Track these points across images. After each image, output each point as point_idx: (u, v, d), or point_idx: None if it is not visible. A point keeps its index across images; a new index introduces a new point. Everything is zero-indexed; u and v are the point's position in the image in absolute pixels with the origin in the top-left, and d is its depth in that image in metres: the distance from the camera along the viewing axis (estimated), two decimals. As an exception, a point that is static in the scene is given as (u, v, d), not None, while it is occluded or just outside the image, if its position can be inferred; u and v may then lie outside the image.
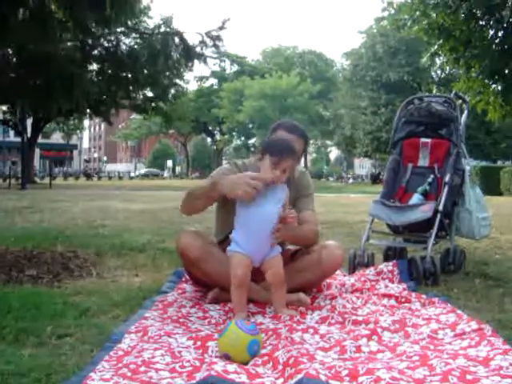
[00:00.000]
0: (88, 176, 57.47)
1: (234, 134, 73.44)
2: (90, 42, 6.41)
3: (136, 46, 6.94)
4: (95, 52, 6.56)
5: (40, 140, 43.44)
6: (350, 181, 64.29)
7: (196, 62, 6.01)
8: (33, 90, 5.42)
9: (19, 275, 4.43)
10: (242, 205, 3.19)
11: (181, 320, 3.15)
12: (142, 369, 2.35)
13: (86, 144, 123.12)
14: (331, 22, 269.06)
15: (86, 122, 71.66)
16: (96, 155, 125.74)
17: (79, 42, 6.14)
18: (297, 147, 3.44)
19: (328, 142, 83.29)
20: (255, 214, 3.15)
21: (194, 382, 2.21)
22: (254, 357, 2.54)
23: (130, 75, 6.99)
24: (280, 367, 2.40)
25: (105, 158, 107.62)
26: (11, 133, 50.87)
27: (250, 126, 65.66)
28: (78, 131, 72.38)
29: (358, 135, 52.71)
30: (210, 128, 79.71)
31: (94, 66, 6.88)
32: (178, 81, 27.10)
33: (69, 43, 6.15)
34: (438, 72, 47.60)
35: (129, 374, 2.29)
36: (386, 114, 47.16)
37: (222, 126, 71.42)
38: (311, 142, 76.39)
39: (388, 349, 2.65)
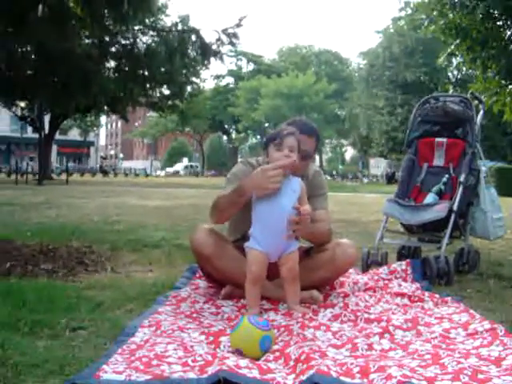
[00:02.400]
0: (104, 173, 57.71)
1: (249, 132, 73.62)
2: (107, 39, 6.44)
3: (153, 44, 6.97)
4: (112, 49, 6.60)
5: (57, 136, 43.71)
6: (365, 180, 64.07)
7: (212, 59, 6.03)
8: (50, 87, 5.46)
9: (34, 269, 4.47)
10: (257, 199, 3.20)
11: (194, 315, 3.17)
12: (155, 362, 2.36)
13: (102, 141, 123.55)
14: (347, 22, 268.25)
15: (103, 119, 71.96)
16: (112, 152, 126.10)
17: (97, 39, 6.17)
18: (300, 139, 3.47)
19: (343, 142, 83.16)
20: (271, 207, 3.16)
21: (206, 376, 2.23)
22: (266, 352, 2.55)
23: (146, 73, 7.01)
24: (291, 363, 2.41)
25: (121, 156, 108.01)
26: (29, 129, 51.21)
27: (266, 124, 65.70)
28: (95, 128, 72.72)
29: (374, 135, 52.59)
30: (226, 126, 79.86)
31: (111, 63, 6.91)
32: (194, 79, 27.23)
33: (86, 40, 6.19)
34: (455, 72, 47.46)
35: (141, 367, 2.31)
36: (402, 114, 47.03)
37: (237, 125, 71.53)
38: (327, 141, 76.35)
39: (400, 347, 2.65)
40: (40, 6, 4.87)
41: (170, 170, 76.47)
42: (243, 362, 2.36)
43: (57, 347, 2.60)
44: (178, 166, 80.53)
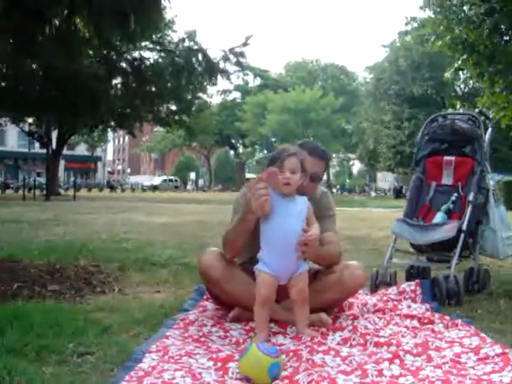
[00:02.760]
0: (112, 188, 57.87)
1: (256, 147, 73.68)
2: (114, 57, 6.47)
3: (160, 60, 6.99)
4: (119, 66, 6.62)
5: (65, 152, 43.89)
6: (373, 194, 64.02)
7: (219, 78, 6.04)
8: (58, 106, 5.47)
9: (42, 290, 4.45)
10: (264, 223, 3.17)
11: (201, 339, 3.15)
12: (163, 390, 2.34)
13: (110, 156, 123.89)
14: (354, 36, 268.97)
15: (110, 135, 72.09)
16: (120, 167, 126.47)
17: (104, 58, 6.19)
18: (310, 161, 3.47)
19: (351, 156, 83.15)
20: (278, 230, 3.14)
21: (215, 404, 2.20)
22: (275, 379, 2.53)
23: (153, 89, 7.03)
24: (301, 391, 2.38)
25: (128, 170, 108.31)
26: (36, 144, 51.40)
27: (273, 139, 65.80)
28: (103, 143, 72.95)
29: (381, 149, 52.59)
30: (233, 141, 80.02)
31: (118, 80, 6.93)
32: (201, 94, 27.29)
33: (93, 59, 6.21)
34: (462, 86, 47.42)
35: (149, 396, 2.29)
36: (409, 127, 47.04)
37: (244, 139, 71.69)
38: (334, 155, 76.36)
39: (410, 373, 2.61)
40: (47, 27, 4.89)
41: (147, 183, 72.67)
42: (252, 391, 2.34)
43: (64, 374, 2.58)
44: (157, 180, 77.26)
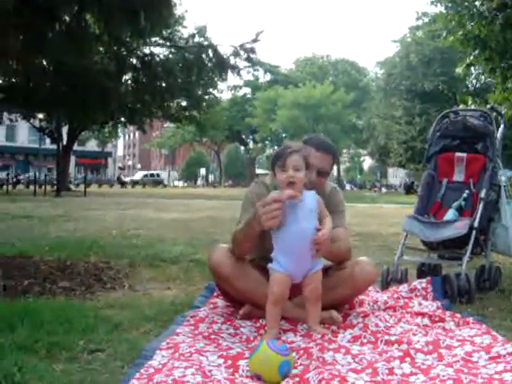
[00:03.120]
0: (122, 183, 58.01)
1: (267, 142, 73.64)
2: (124, 53, 6.46)
3: (170, 56, 6.99)
4: (129, 62, 6.62)
5: (75, 147, 44.03)
6: (383, 190, 63.87)
7: (230, 74, 6.03)
8: (69, 102, 5.49)
9: (52, 287, 4.46)
10: (276, 227, 3.12)
11: (212, 336, 3.14)
12: (173, 388, 2.34)
13: (120, 152, 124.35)
14: (364, 31, 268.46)
15: (121, 130, 72.31)
16: (130, 163, 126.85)
17: (114, 54, 6.19)
18: (317, 156, 3.50)
19: (361, 151, 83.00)
20: (291, 233, 3.08)
21: (225, 401, 2.20)
22: (285, 377, 2.52)
23: (163, 85, 7.02)
24: (311, 389, 2.37)
25: (139, 166, 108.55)
26: (47, 140, 51.62)
27: (284, 135, 65.75)
28: (113, 139, 73.08)
29: (392, 145, 52.42)
30: (244, 137, 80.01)
31: (128, 76, 6.93)
32: (211, 90, 27.28)
33: (103, 56, 6.21)
34: (474, 82, 47.19)
35: (159, 393, 2.29)
36: (420, 123, 46.86)
37: (255, 135, 71.69)
38: (344, 151, 76.20)
39: (421, 371, 2.60)
40: (57, 24, 4.90)
41: (127, 179, 69.85)
42: (262, 388, 2.33)
43: (74, 371, 2.59)
44: (138, 175, 75.39)
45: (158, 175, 75.38)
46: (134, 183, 64.86)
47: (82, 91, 5.13)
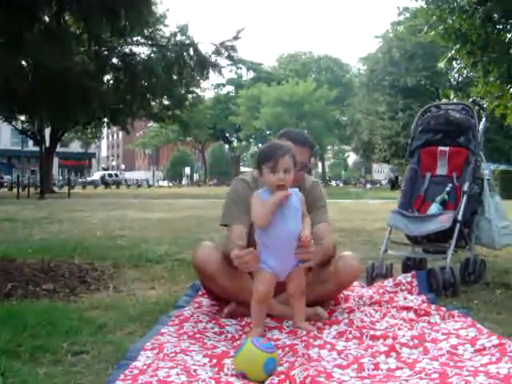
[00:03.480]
0: (106, 184, 57.71)
1: (251, 140, 73.64)
2: (105, 52, 6.42)
3: (152, 55, 6.95)
4: (110, 62, 6.58)
5: (59, 149, 43.78)
6: (368, 186, 64.08)
7: (211, 72, 6.00)
8: (49, 104, 5.44)
9: (36, 289, 4.42)
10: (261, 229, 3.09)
11: (197, 336, 3.12)
12: (158, 389, 2.32)
13: (104, 152, 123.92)
14: (347, 27, 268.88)
15: (104, 131, 71.86)
16: (114, 163, 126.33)
17: (94, 54, 6.14)
18: (292, 148, 3.46)
19: (345, 148, 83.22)
20: (279, 233, 3.04)
21: (210, 401, 2.18)
22: (271, 375, 2.51)
23: (145, 84, 6.98)
24: (297, 386, 2.36)
25: (123, 167, 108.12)
26: (30, 142, 51.25)
27: (268, 132, 65.75)
28: (96, 140, 72.75)
29: (376, 140, 52.61)
30: (228, 135, 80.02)
31: (110, 76, 6.88)
32: (194, 89, 27.23)
33: (84, 55, 6.17)
34: (456, 76, 47.44)
35: (144, 395, 2.27)
36: (403, 118, 47.05)
37: (239, 133, 71.68)
38: (329, 147, 76.32)
39: (407, 365, 2.59)
40: (37, 24, 4.85)
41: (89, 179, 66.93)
42: (247, 387, 2.32)
43: (58, 374, 2.56)
44: (96, 175, 71.43)
45: (116, 175, 71.96)
46: (92, 183, 61.13)
47: (63, 91, 5.09)
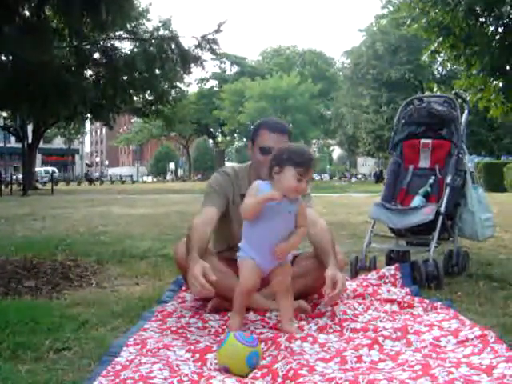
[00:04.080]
0: (90, 181, 57.38)
1: (235, 135, 73.53)
2: (86, 47, 6.37)
3: (135, 50, 6.90)
4: (91, 56, 6.52)
5: (41, 145, 43.47)
6: (353, 180, 64.26)
7: (193, 66, 5.97)
8: (28, 98, 5.39)
9: (18, 287, 4.38)
10: (250, 223, 3.04)
11: (180, 331, 3.11)
12: (140, 384, 2.30)
13: (87, 148, 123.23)
14: (330, 21, 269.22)
15: (87, 127, 71.37)
16: (98, 159, 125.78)
17: (75, 48, 6.09)
18: (274, 138, 3.50)
19: (330, 142, 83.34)
20: (261, 232, 3.01)
21: (193, 396, 2.17)
22: (254, 369, 2.50)
23: (126, 80, 6.93)
24: (279, 380, 2.35)
25: (107, 163, 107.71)
26: (12, 138, 50.90)
27: (252, 127, 65.64)
28: (79, 136, 72.33)
29: (361, 134, 52.74)
30: (212, 130, 79.78)
31: (90, 70, 6.83)
32: (178, 83, 27.12)
33: (64, 50, 6.11)
34: (439, 69, 47.63)
35: (126, 390, 2.25)
36: (388, 112, 47.17)
37: (223, 128, 71.49)
38: (314, 141, 76.37)
39: (390, 358, 2.60)
40: (16, 19, 4.80)
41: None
42: (230, 381, 2.32)
43: (40, 371, 2.54)
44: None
45: (53, 172, 65.57)
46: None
47: (43, 86, 5.04)
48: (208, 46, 5.77)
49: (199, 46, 5.77)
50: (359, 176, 75.53)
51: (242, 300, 3.10)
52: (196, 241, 3.26)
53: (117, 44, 6.64)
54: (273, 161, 3.00)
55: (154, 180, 77.70)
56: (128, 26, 9.26)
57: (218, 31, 5.79)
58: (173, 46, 5.65)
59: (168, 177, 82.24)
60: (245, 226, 3.09)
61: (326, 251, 3.37)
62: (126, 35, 7.49)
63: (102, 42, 6.48)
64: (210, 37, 5.77)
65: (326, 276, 3.14)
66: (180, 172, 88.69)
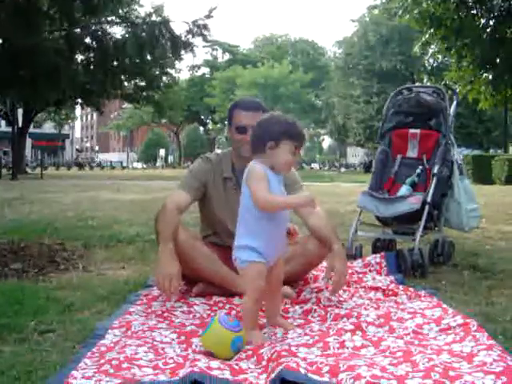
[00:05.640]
0: (80, 166, 57.18)
1: (226, 122, 73.30)
2: (77, 31, 6.33)
3: (126, 35, 6.86)
4: (82, 40, 6.48)
5: (32, 130, 43.21)
6: (343, 170, 64.30)
7: (183, 52, 5.96)
8: (18, 82, 5.36)
9: (4, 269, 4.39)
10: (262, 213, 2.78)
11: (165, 314, 3.13)
12: (125, 365, 2.32)
13: (78, 133, 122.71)
14: (323, 10, 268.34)
15: (78, 112, 71.10)
16: (88, 145, 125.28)
17: (65, 32, 6.06)
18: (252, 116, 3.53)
19: (320, 131, 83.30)
20: (277, 221, 2.85)
21: (177, 378, 2.19)
22: (238, 353, 2.52)
23: (116, 65, 6.89)
24: (264, 362, 2.38)
25: (97, 148, 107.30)
26: (2, 122, 50.59)
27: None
28: (70, 121, 71.97)
29: (351, 124, 52.76)
30: (203, 117, 79.46)
31: (81, 54, 6.79)
32: (169, 70, 26.99)
33: (55, 33, 6.08)
34: (431, 61, 47.66)
35: (111, 371, 2.27)
36: (378, 102, 47.16)
37: (214, 115, 71.22)
38: (304, 130, 76.17)
39: (372, 343, 2.62)
40: (5, 1, 4.77)
41: None
42: (215, 364, 2.33)
43: (24, 352, 2.55)
44: None
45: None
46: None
47: (31, 70, 5.02)
48: (199, 31, 5.75)
49: (190, 31, 5.75)
50: (349, 166, 75.63)
51: (254, 309, 2.80)
52: (167, 222, 3.41)
53: (109, 29, 6.60)
54: (265, 135, 2.80)
55: (144, 166, 77.37)
56: (120, 11, 9.21)
57: (208, 17, 5.78)
58: (163, 31, 5.63)
59: (158, 163, 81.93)
60: (246, 220, 2.85)
61: (327, 238, 3.39)
62: (118, 20, 7.45)
63: (93, 27, 6.44)
64: (201, 22, 5.75)
65: (326, 265, 3.18)
66: (170, 159, 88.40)
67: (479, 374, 2.17)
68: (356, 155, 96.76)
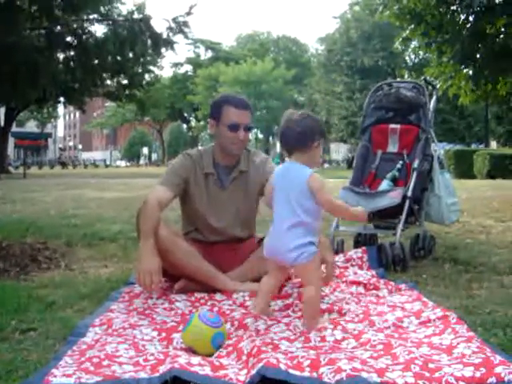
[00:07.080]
0: (63, 165, 56.84)
1: (209, 120, 73.23)
2: (57, 29, 6.29)
3: (108, 33, 6.82)
4: (62, 38, 6.44)
5: (14, 129, 42.88)
6: (326, 166, 64.42)
7: (164, 49, 5.93)
8: (-4, 79, 5.32)
9: (-15, 269, 4.36)
10: (313, 215, 2.95)
11: (146, 312, 3.13)
12: (105, 362, 2.32)
13: (60, 132, 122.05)
14: (305, 7, 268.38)
15: (61, 110, 70.73)
16: (71, 143, 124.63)
17: (45, 30, 6.02)
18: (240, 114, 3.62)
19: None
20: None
21: (158, 374, 2.19)
22: (219, 349, 2.53)
23: (97, 63, 6.85)
24: (244, 358, 2.39)
25: (80, 147, 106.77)
26: (-17, 122, 50.11)
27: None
28: (52, 119, 71.56)
29: (333, 120, 52.90)
30: (186, 115, 79.32)
31: (60, 52, 6.74)
32: (151, 67, 26.85)
33: (35, 31, 6.03)
34: (412, 57, 47.89)
35: (91, 369, 2.26)
36: (360, 99, 47.32)
37: (197, 113, 71.08)
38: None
39: (352, 337, 2.64)
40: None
41: None
42: (195, 360, 2.34)
43: (4, 350, 2.55)
44: None
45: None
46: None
47: (11, 67, 4.98)
48: (179, 28, 5.73)
49: (170, 28, 5.73)
50: (332, 162, 75.80)
51: (319, 299, 2.97)
52: (148, 218, 3.42)
53: (90, 27, 6.56)
54: (314, 132, 2.93)
55: (128, 164, 77.19)
56: (102, 9, 9.16)
57: (189, 13, 5.76)
58: (144, 29, 5.61)
59: (142, 161, 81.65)
60: (309, 222, 2.91)
61: None
62: (100, 18, 7.41)
63: (74, 25, 6.40)
64: (181, 19, 5.73)
65: None
66: (154, 157, 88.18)
67: (458, 366, 2.19)
68: (339, 151, 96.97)
